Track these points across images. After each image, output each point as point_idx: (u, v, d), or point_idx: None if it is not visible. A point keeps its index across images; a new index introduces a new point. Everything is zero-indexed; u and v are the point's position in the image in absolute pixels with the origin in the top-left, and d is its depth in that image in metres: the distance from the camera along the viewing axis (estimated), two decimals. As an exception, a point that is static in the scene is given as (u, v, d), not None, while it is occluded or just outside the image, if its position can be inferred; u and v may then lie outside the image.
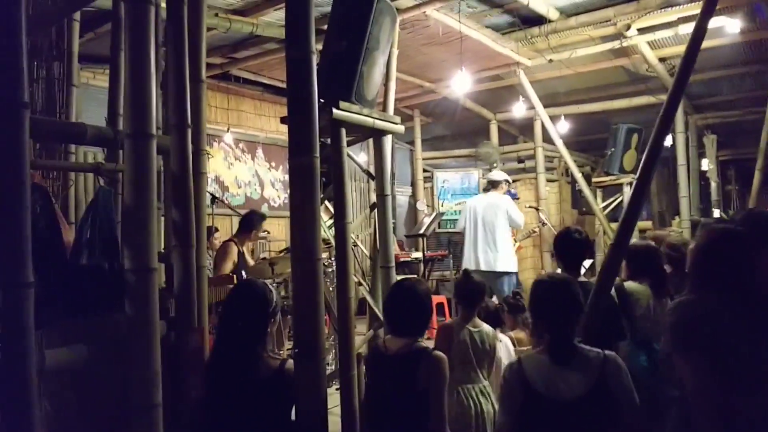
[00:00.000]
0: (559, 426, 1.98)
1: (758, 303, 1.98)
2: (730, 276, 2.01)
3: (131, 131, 2.02)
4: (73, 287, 2.21)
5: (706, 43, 2.88)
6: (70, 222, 3.48)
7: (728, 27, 6.02)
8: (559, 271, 3.43)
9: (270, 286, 2.35)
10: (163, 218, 2.77)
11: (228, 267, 5.12)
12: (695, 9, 5.51)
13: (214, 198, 5.90)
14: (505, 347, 3.45)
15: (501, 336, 3.53)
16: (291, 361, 2.30)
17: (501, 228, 6.14)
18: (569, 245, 3.00)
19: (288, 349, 4.96)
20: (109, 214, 2.39)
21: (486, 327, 3.16)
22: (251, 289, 2.37)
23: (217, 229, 6.17)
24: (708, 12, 2.61)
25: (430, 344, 2.66)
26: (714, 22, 5.63)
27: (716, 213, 8.65)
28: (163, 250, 2.71)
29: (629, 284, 3.11)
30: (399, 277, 3.16)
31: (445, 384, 2.34)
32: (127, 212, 2.03)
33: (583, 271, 3.20)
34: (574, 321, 2.09)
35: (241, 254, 5.30)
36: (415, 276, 3.27)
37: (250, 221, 5.43)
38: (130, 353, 1.96)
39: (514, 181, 10.28)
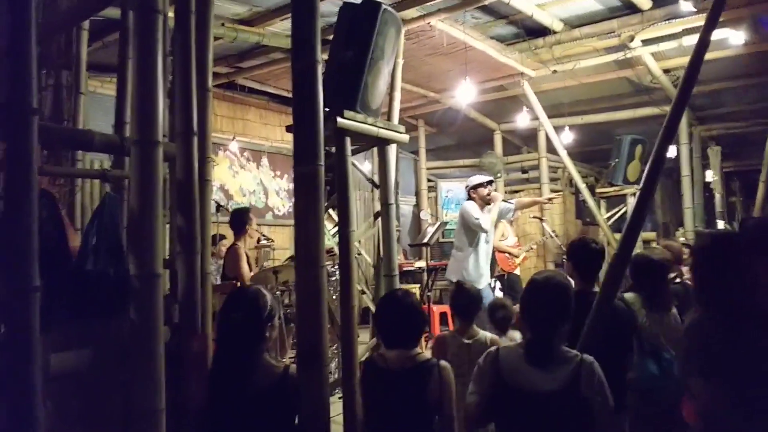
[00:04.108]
0: (527, 418, 2.03)
1: (759, 317, 1.98)
2: (730, 283, 2.01)
3: (138, 138, 2.04)
4: (78, 292, 2.22)
5: (710, 55, 2.90)
6: (77, 228, 3.50)
7: (732, 39, 6.04)
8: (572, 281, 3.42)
9: (264, 291, 2.34)
10: (168, 225, 2.79)
11: (246, 268, 5.09)
12: (699, 21, 5.53)
13: (218, 206, 5.92)
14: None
15: (512, 332, 3.58)
16: (294, 367, 2.30)
17: (456, 236, 5.61)
18: (586, 256, 2.97)
19: (291, 357, 4.96)
20: (115, 220, 2.41)
21: (483, 335, 3.16)
22: (244, 295, 2.37)
23: (224, 237, 6.17)
24: (712, 24, 2.62)
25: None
26: (718, 34, 5.65)
27: (720, 224, 8.63)
28: (167, 257, 2.73)
29: (628, 295, 3.10)
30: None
31: (453, 393, 2.34)
32: (133, 218, 2.05)
33: None
34: (557, 324, 2.10)
35: (247, 257, 5.30)
36: (404, 288, 3.20)
37: (240, 219, 5.40)
38: (134, 358, 1.97)
39: (516, 191, 10.34)
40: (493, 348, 2.24)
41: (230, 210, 6.92)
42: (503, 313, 3.66)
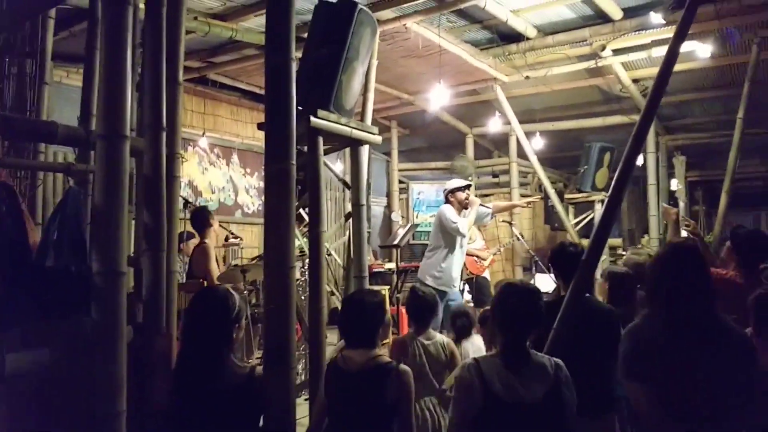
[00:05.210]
0: (517, 429, 2.00)
1: (709, 325, 2.00)
2: (680, 290, 2.03)
3: (104, 132, 1.99)
4: (37, 289, 2.15)
5: (678, 67, 2.96)
6: (37, 223, 3.40)
7: (699, 51, 6.18)
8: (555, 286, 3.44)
9: (232, 291, 2.31)
10: (133, 221, 2.72)
11: (215, 266, 4.99)
12: (668, 33, 5.64)
13: (186, 203, 5.80)
14: (475, 346, 3.59)
15: (474, 337, 3.68)
16: (260, 368, 2.26)
17: (431, 238, 5.58)
18: (566, 260, 2.97)
19: (257, 358, 4.90)
20: (78, 216, 2.35)
21: (440, 337, 3.20)
22: (212, 295, 2.34)
23: (192, 235, 6.05)
24: (681, 36, 2.67)
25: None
26: (686, 47, 5.78)
27: (683, 233, 8.81)
28: (132, 254, 2.66)
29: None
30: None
31: (412, 397, 2.33)
32: (97, 214, 1.99)
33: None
34: (529, 329, 2.11)
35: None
36: (370, 288, 3.19)
37: (202, 217, 5.26)
38: (95, 359, 1.91)
39: (486, 195, 10.42)
40: (469, 361, 2.21)
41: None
42: (463, 321, 3.75)
